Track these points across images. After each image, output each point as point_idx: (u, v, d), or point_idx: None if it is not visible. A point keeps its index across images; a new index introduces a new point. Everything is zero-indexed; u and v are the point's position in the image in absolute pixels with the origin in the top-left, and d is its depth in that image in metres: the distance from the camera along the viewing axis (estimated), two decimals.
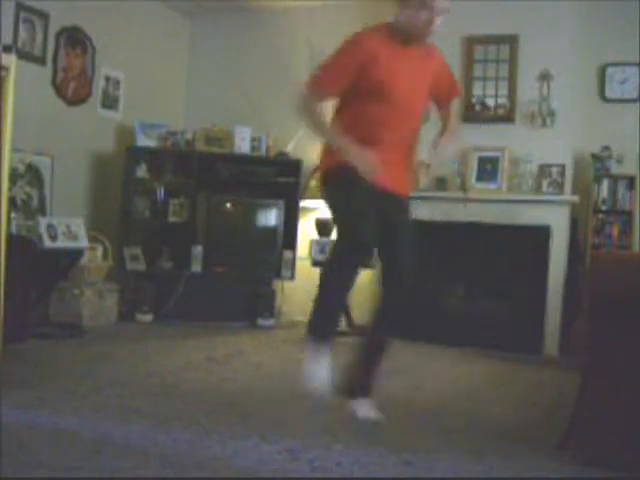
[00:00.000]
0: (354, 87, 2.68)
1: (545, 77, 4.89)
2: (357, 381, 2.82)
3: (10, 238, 2.42)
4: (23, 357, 3.68)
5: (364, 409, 2.77)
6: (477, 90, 5.09)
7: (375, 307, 2.90)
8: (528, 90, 4.93)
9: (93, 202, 5.54)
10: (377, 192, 2.67)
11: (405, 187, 2.86)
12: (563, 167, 4.84)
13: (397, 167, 2.77)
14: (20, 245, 3.88)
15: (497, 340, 4.82)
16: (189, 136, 5.70)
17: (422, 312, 5.09)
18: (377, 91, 2.67)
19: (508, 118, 4.98)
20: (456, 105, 3.20)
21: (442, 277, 5.15)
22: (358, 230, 2.64)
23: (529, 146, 4.90)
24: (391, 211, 2.78)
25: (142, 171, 5.59)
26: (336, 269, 2.69)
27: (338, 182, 2.72)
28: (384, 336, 2.87)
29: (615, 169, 4.93)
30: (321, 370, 2.63)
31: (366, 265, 2.82)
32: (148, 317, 5.33)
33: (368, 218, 2.65)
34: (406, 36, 2.69)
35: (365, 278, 5.47)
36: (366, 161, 2.57)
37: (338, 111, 2.81)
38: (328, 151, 2.79)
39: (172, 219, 5.62)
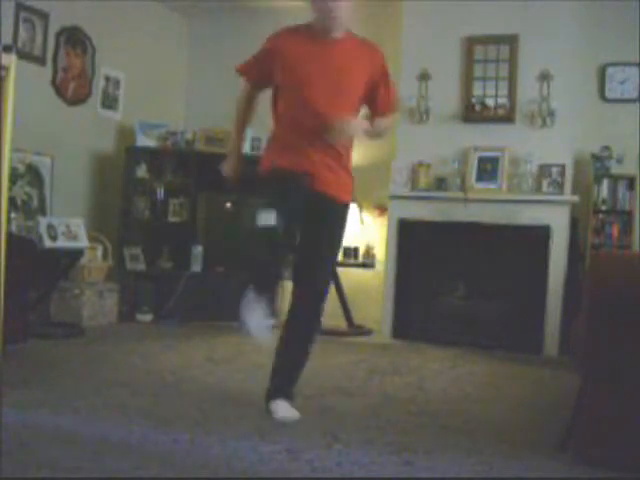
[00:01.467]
0: (274, 81, 2.90)
1: (545, 77, 4.89)
2: (277, 383, 2.86)
3: (10, 238, 2.41)
4: (23, 357, 3.68)
5: (282, 410, 2.77)
6: (477, 90, 5.08)
7: (289, 309, 2.98)
8: (528, 90, 4.93)
9: (93, 202, 5.54)
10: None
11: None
12: (563, 167, 4.84)
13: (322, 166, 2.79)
14: (20, 245, 3.88)
15: (497, 340, 4.82)
16: (189, 136, 5.70)
17: (422, 312, 5.11)
18: (284, 84, 2.84)
19: (508, 118, 4.97)
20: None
21: (442, 277, 5.15)
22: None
23: (529, 146, 4.90)
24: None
25: (142, 171, 5.59)
26: None
27: None
28: (296, 339, 2.92)
29: (615, 169, 4.93)
30: (256, 317, 2.81)
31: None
32: (148, 317, 5.33)
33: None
34: (322, 28, 2.78)
35: (365, 278, 5.49)
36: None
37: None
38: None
39: (172, 219, 5.62)
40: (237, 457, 2.31)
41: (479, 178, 4.98)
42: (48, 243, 4.38)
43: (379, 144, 5.60)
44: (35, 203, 4.90)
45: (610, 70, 5.14)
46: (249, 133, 5.62)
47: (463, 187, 4.97)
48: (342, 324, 5.37)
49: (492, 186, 4.95)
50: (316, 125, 2.72)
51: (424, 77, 5.16)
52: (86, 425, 2.59)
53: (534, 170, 4.90)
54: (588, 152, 5.00)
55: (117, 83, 5.67)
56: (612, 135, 4.99)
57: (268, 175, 2.85)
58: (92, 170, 5.54)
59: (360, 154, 5.74)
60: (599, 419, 2.35)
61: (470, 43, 5.10)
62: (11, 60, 2.10)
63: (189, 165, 5.62)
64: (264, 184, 2.86)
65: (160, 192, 5.72)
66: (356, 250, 5.48)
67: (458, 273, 5.12)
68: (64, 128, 5.15)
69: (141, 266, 5.54)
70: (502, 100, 5.00)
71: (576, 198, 4.79)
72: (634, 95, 5.08)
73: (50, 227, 4.44)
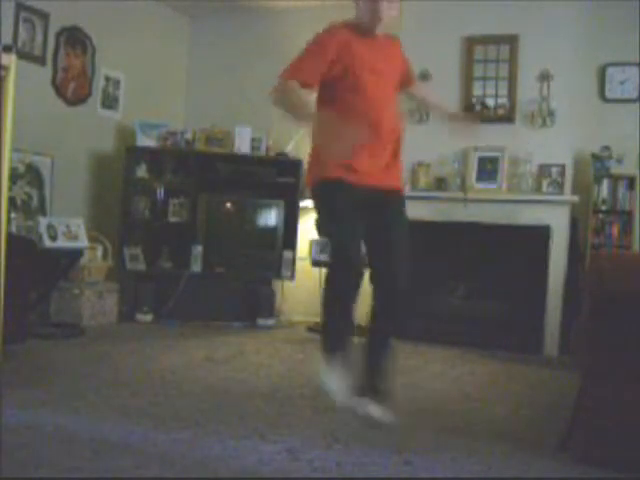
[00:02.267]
0: (329, 79, 2.72)
1: (545, 77, 4.89)
2: (364, 381, 2.82)
3: (10, 238, 2.41)
4: (23, 357, 3.68)
5: (368, 407, 2.75)
6: (477, 90, 5.08)
7: (371, 307, 2.91)
8: (528, 90, 4.93)
9: (93, 202, 5.54)
10: (362, 194, 2.67)
11: (392, 180, 2.78)
12: (563, 167, 4.84)
13: (379, 159, 2.75)
14: (20, 245, 3.88)
15: (497, 340, 4.82)
16: (189, 136, 5.70)
17: (422, 312, 5.10)
18: (349, 79, 2.72)
19: (508, 118, 4.98)
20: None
21: (442, 277, 5.15)
22: (346, 249, 2.68)
23: (529, 146, 4.90)
24: (378, 209, 2.75)
25: (142, 171, 5.59)
26: (332, 288, 2.76)
27: (322, 199, 2.74)
28: (381, 336, 2.86)
29: (615, 169, 4.93)
30: (333, 380, 2.72)
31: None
32: (148, 317, 5.33)
33: (354, 234, 2.69)
34: (364, 27, 2.79)
35: (365, 278, 5.48)
36: (345, 139, 2.48)
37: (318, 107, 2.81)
38: (313, 165, 2.80)
39: (172, 219, 5.62)
40: (237, 457, 2.31)
41: (479, 178, 4.98)
42: (48, 243, 4.38)
43: None
44: (35, 203, 4.90)
45: (610, 70, 5.14)
46: (249, 133, 5.63)
47: (463, 187, 4.97)
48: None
49: (492, 186, 4.95)
50: (374, 117, 2.71)
51: (424, 77, 5.15)
52: (86, 425, 2.59)
53: (534, 170, 4.90)
54: (588, 152, 5.00)
55: (117, 83, 5.67)
56: (612, 135, 4.99)
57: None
58: (92, 170, 5.54)
59: None
60: (599, 419, 2.35)
61: (470, 43, 5.11)
62: (11, 60, 2.11)
63: (189, 165, 5.62)
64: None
65: (160, 192, 5.72)
66: None
67: (458, 273, 5.12)
68: (64, 128, 5.15)
69: (141, 266, 5.54)
70: (502, 100, 5.00)
71: (576, 198, 4.79)
72: (634, 95, 5.08)
73: (50, 227, 4.44)
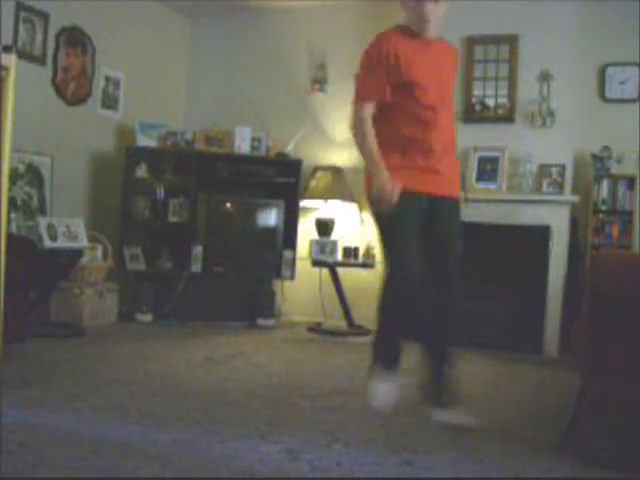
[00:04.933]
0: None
1: (545, 77, 4.89)
2: (432, 389, 2.87)
3: (10, 238, 2.41)
4: (23, 357, 3.68)
5: (442, 414, 2.78)
6: (477, 90, 5.09)
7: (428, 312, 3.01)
8: (528, 90, 4.93)
9: (93, 202, 5.53)
10: (423, 204, 2.85)
11: (449, 187, 2.94)
12: (563, 167, 4.84)
13: (437, 168, 2.82)
14: (20, 245, 3.87)
15: (497, 340, 4.82)
16: (189, 136, 5.70)
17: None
18: (405, 89, 2.70)
19: (508, 118, 4.98)
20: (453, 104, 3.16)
21: None
22: (407, 260, 2.88)
23: (529, 146, 4.90)
24: (439, 216, 2.98)
25: (142, 171, 5.58)
26: (393, 298, 2.89)
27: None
28: (440, 340, 2.96)
29: (615, 169, 4.93)
30: (384, 391, 2.83)
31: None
32: (148, 317, 5.33)
33: (413, 244, 2.89)
34: (415, 31, 2.76)
35: (365, 278, 5.49)
36: (389, 195, 2.63)
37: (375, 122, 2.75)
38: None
39: (172, 219, 5.62)
40: (237, 457, 2.31)
41: (479, 178, 4.99)
42: (48, 243, 4.38)
43: None
44: (35, 203, 4.90)
45: (610, 70, 5.14)
46: (249, 133, 5.63)
47: (463, 187, 4.97)
48: (342, 324, 5.38)
49: (492, 186, 4.95)
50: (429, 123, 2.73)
51: None
52: (86, 425, 2.59)
53: (534, 170, 4.90)
54: (588, 152, 5.00)
55: (117, 83, 5.67)
56: (612, 135, 4.99)
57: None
58: (92, 170, 5.53)
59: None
60: (599, 419, 2.35)
61: (470, 43, 5.11)
62: (11, 60, 2.11)
63: (189, 165, 5.62)
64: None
65: (160, 192, 5.71)
66: (356, 250, 5.48)
67: None
68: (64, 128, 5.15)
69: (141, 266, 5.54)
70: (502, 100, 5.01)
71: (576, 198, 4.79)
72: (634, 95, 5.08)
73: (50, 227, 4.44)
